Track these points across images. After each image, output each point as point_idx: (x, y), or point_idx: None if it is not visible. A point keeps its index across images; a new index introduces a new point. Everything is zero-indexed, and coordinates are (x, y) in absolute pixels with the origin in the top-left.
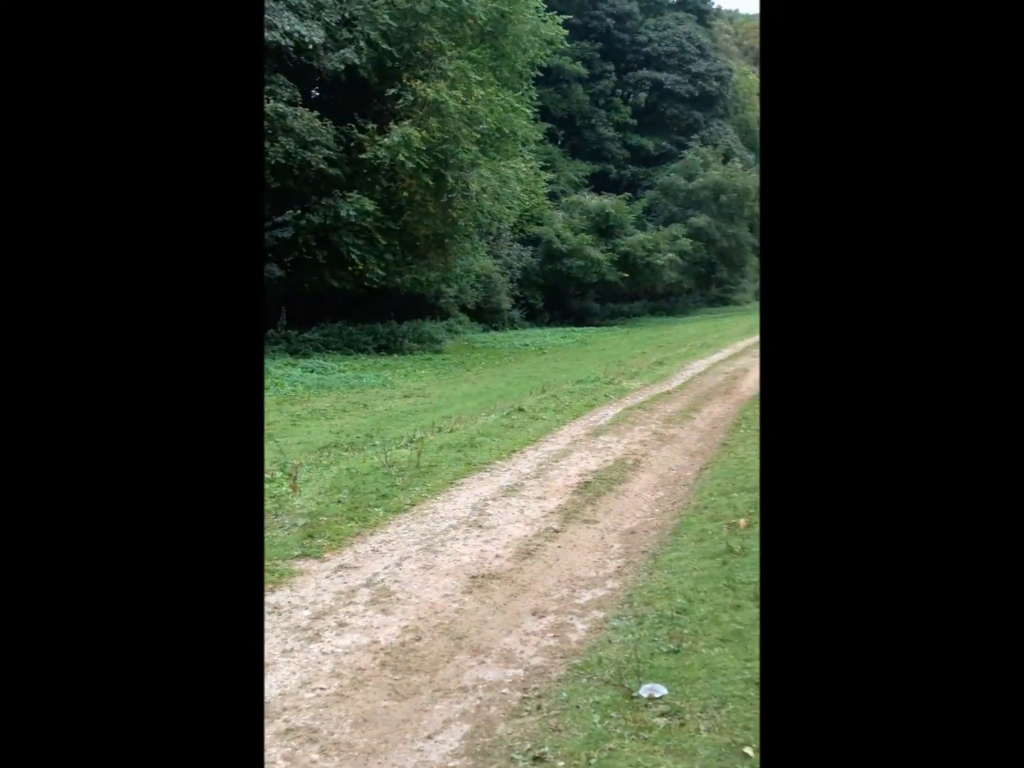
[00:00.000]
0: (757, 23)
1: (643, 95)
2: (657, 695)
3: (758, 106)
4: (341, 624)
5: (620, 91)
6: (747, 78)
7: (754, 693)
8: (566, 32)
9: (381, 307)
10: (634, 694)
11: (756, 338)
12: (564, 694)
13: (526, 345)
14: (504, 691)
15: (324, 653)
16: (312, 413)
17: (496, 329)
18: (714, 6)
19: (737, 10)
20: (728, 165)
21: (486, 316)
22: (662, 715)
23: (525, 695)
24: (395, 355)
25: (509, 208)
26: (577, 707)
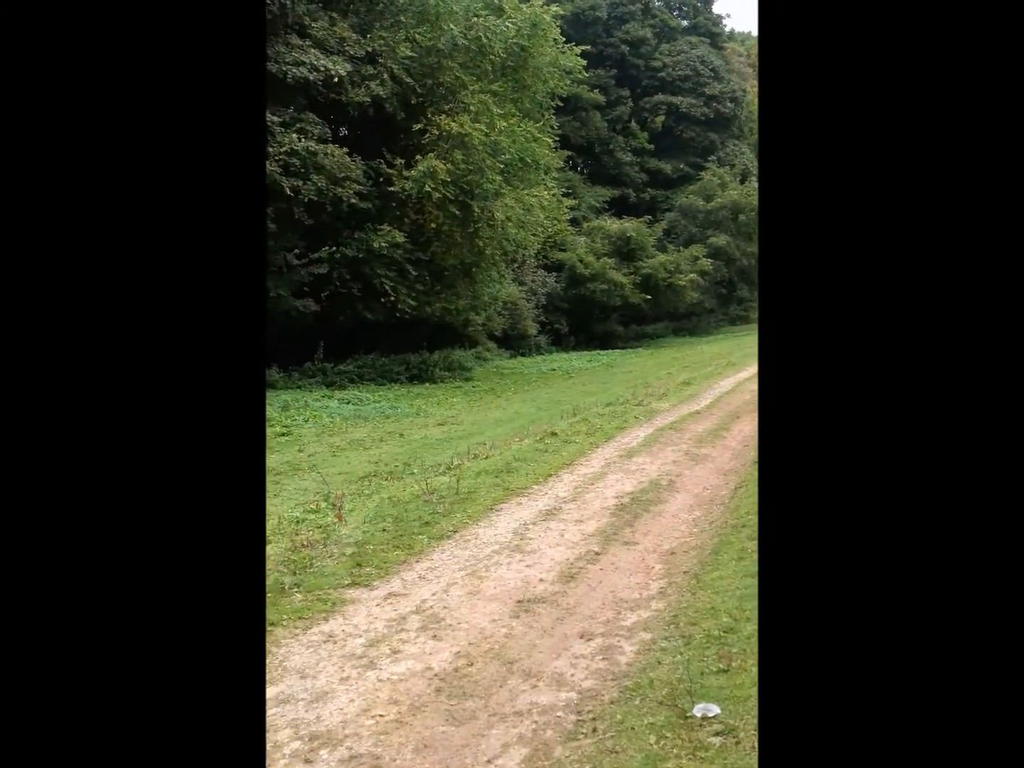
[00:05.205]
0: None
1: (659, 119)
2: (711, 714)
3: None
4: (395, 651)
5: (636, 116)
6: None
7: None
8: (584, 62)
9: (412, 337)
10: (688, 714)
11: None
12: (618, 716)
13: (553, 370)
14: (559, 714)
15: (380, 680)
16: (351, 443)
17: (523, 355)
18: (727, 29)
19: (750, 32)
20: (745, 184)
21: (513, 342)
22: (717, 734)
23: (580, 718)
24: (427, 384)
25: (533, 235)
26: (632, 728)
